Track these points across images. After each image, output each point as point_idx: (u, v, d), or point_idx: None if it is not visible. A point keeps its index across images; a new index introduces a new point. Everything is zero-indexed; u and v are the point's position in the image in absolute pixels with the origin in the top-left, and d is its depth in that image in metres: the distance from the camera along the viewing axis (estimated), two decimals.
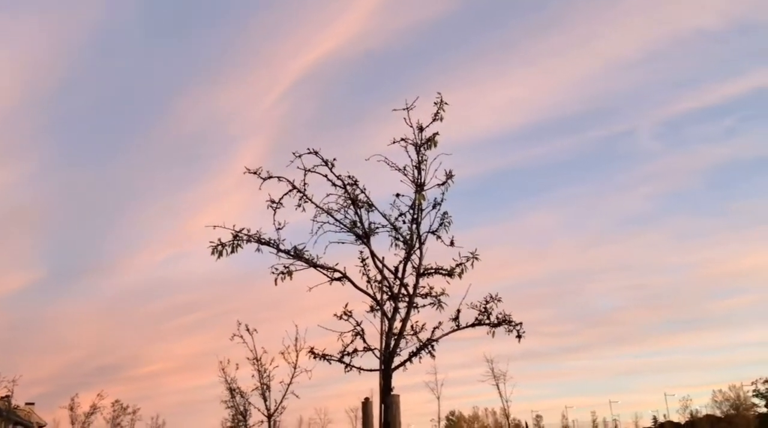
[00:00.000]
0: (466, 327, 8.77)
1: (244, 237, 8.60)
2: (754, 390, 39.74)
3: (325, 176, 8.81)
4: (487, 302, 8.78)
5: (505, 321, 8.66)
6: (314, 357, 8.82)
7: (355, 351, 8.66)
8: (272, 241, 8.69)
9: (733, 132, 72.93)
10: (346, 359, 8.65)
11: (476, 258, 8.80)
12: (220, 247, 8.52)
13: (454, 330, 8.76)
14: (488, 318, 8.75)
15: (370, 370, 8.62)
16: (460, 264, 8.80)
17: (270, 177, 8.74)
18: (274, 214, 8.70)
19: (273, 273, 8.68)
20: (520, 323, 8.67)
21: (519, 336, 8.69)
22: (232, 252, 8.59)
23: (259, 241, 8.68)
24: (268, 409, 22.90)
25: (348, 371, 8.64)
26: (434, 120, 8.91)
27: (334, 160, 8.78)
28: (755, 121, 73.46)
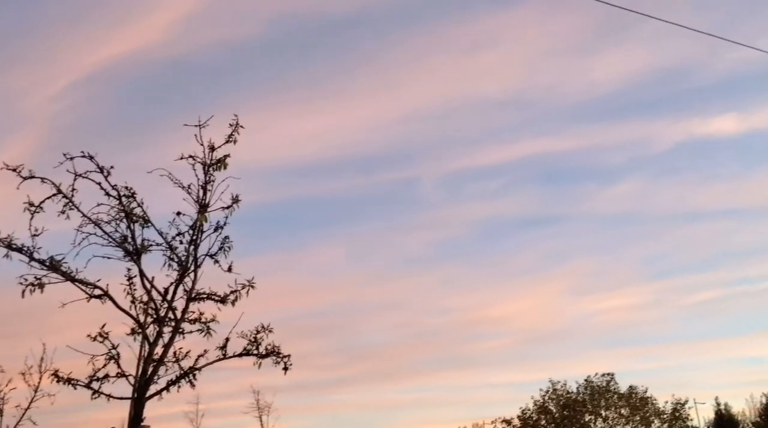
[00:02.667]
0: (233, 356, 8.53)
1: None
2: None
3: (99, 184, 8.15)
4: (258, 332, 8.63)
5: (273, 352, 8.56)
6: (58, 381, 7.93)
7: (107, 376, 7.94)
8: (25, 248, 7.76)
9: (500, 192, 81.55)
10: (95, 385, 7.90)
11: (252, 287, 8.64)
12: None
13: (219, 360, 8.46)
14: (257, 348, 8.59)
15: (121, 398, 7.95)
16: (235, 291, 8.56)
17: (32, 177, 7.87)
18: (31, 219, 7.81)
19: (21, 284, 7.74)
20: (288, 355, 8.63)
21: (285, 369, 8.63)
22: None
23: (9, 247, 7.71)
24: None
25: (95, 398, 7.90)
26: (227, 141, 8.72)
27: (111, 167, 8.16)
28: (520, 184, 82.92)
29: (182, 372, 8.18)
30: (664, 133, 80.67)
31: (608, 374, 39.77)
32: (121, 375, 8.01)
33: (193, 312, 8.45)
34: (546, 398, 39.93)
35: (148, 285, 8.27)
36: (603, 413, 38.93)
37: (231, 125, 8.73)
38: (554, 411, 39.40)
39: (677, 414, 39.88)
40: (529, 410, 40.13)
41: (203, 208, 8.46)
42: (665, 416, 39.70)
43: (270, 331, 8.70)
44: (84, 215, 8.09)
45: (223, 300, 8.50)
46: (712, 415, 48.57)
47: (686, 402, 40.87)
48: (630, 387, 39.85)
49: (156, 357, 8.01)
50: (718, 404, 48.64)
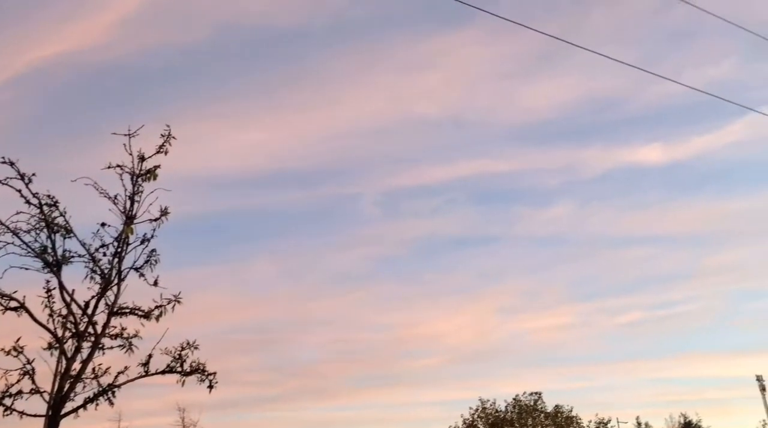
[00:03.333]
0: (156, 374, 8.28)
1: None
2: None
3: (19, 191, 7.84)
4: (183, 349, 8.42)
5: (198, 370, 8.36)
6: None
7: (20, 392, 7.58)
8: None
9: (437, 211, 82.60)
10: (8, 401, 7.52)
11: (178, 302, 8.43)
12: None
13: (141, 377, 8.20)
14: (181, 365, 8.38)
15: (35, 415, 7.60)
16: (160, 306, 8.34)
17: None
18: None
19: None
20: (214, 373, 8.45)
21: (211, 387, 8.44)
22: None
23: None
24: None
25: (7, 415, 7.52)
26: (158, 152, 8.56)
27: (33, 175, 7.87)
28: (456, 204, 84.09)
29: (101, 389, 7.89)
30: (595, 160, 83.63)
31: (536, 393, 40.54)
32: (36, 391, 7.66)
33: (115, 327, 8.19)
34: (475, 416, 40.36)
35: (68, 298, 7.97)
36: None
37: (163, 135, 8.59)
38: None
39: None
40: None
41: (130, 219, 8.24)
42: None
43: (195, 348, 8.51)
44: (2, 223, 7.76)
45: (146, 315, 8.27)
46: None
47: (609, 421, 42.08)
48: (556, 406, 40.75)
49: (73, 373, 7.71)
50: (639, 423, 50.26)
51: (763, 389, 44.39)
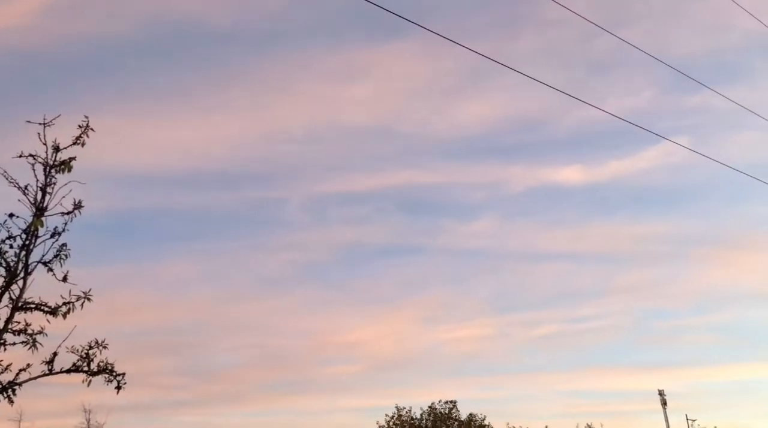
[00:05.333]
0: (60, 372, 7.98)
1: None
2: None
3: None
4: (91, 347, 8.15)
5: (106, 370, 8.11)
6: None
7: None
8: None
9: (365, 219, 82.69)
10: None
11: (88, 299, 8.15)
12: None
13: (44, 375, 7.88)
14: (88, 365, 8.10)
15: None
16: (68, 302, 8.04)
17: None
18: None
19: None
20: (123, 374, 8.21)
21: (118, 388, 8.20)
22: None
23: None
24: None
25: None
26: (75, 143, 8.28)
27: None
28: (383, 213, 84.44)
29: (0, 386, 7.54)
30: (518, 177, 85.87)
31: (451, 401, 41.34)
32: None
33: (19, 323, 7.83)
34: (391, 423, 40.72)
35: None
36: None
37: (81, 127, 8.32)
38: None
39: None
40: None
41: (40, 211, 7.92)
42: None
43: (104, 347, 8.25)
44: None
45: (53, 311, 7.95)
46: None
47: None
48: (470, 414, 41.66)
49: None
50: None
51: (664, 403, 46.83)
